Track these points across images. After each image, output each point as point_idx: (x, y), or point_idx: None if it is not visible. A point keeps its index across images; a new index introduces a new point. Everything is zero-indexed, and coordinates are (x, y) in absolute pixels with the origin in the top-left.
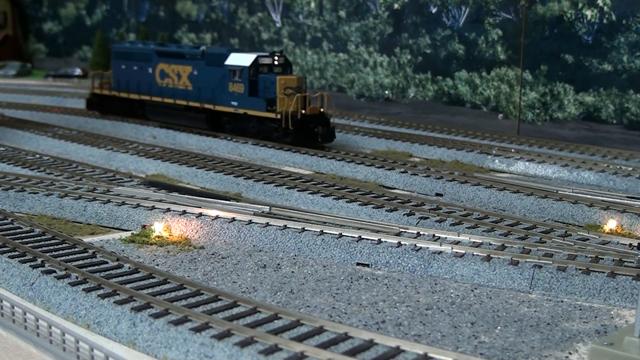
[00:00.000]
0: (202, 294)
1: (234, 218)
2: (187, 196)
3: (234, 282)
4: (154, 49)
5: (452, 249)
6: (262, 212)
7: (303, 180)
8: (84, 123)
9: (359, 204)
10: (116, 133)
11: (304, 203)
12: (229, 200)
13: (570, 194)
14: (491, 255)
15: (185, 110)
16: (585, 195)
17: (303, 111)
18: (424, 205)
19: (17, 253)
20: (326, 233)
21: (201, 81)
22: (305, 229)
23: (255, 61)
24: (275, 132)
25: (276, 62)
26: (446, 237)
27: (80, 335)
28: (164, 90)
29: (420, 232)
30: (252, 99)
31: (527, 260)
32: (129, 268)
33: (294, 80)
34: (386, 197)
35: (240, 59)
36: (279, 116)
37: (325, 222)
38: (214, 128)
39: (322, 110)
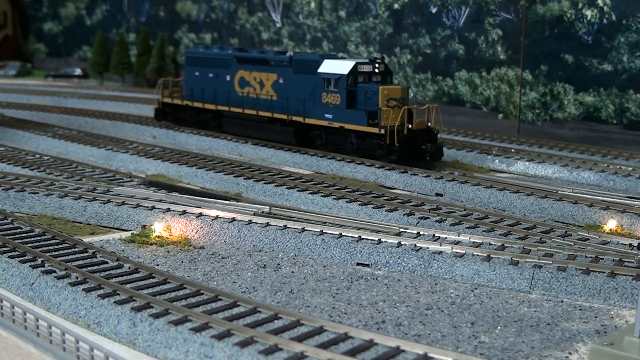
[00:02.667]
0: (202, 294)
1: (234, 218)
2: (187, 196)
3: (234, 282)
4: (233, 55)
5: (452, 249)
6: (262, 212)
7: (303, 180)
8: (84, 123)
9: (359, 204)
10: (116, 133)
11: (304, 203)
12: (229, 200)
13: (570, 194)
14: (491, 255)
15: (268, 123)
16: (585, 195)
17: (409, 126)
18: (424, 205)
19: (17, 253)
20: (326, 233)
21: (288, 90)
22: (305, 229)
23: (354, 68)
24: (379, 150)
25: (377, 70)
26: (446, 237)
27: (80, 335)
28: (244, 100)
29: (420, 232)
30: (350, 112)
31: (527, 260)
32: (129, 268)
33: (398, 90)
34: (386, 197)
35: (336, 66)
36: (382, 131)
37: (325, 222)
38: (302, 143)
39: (429, 124)
